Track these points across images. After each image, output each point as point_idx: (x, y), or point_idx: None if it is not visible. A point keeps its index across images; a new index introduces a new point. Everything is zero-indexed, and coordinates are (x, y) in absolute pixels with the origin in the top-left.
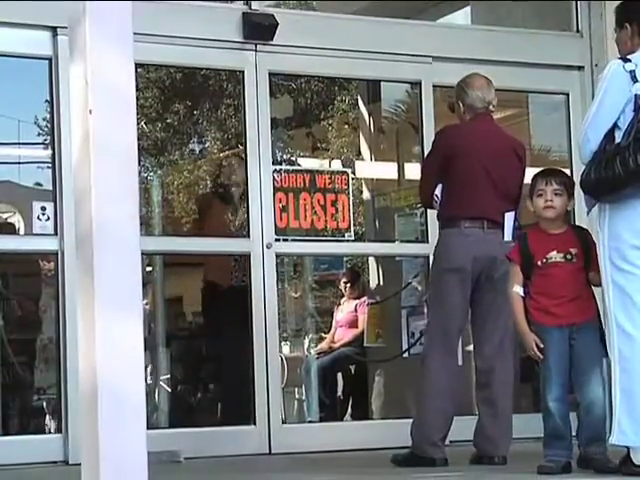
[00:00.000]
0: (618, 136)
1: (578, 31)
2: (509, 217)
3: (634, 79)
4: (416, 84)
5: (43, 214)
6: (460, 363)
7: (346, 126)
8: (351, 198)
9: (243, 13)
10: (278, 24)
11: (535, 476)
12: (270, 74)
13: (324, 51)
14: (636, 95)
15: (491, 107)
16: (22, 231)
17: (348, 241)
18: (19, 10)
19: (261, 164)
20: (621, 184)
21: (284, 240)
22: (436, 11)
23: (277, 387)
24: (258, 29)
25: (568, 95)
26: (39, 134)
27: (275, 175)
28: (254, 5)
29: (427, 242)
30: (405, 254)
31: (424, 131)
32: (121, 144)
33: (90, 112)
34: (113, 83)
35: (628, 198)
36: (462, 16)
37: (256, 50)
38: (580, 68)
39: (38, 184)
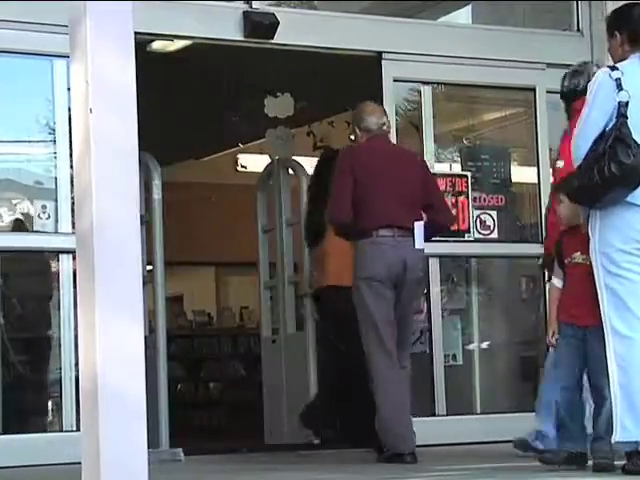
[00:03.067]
0: (601, 143)
1: (579, 30)
2: (418, 226)
3: (619, 87)
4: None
5: (44, 212)
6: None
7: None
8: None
9: (244, 12)
10: (279, 23)
11: (534, 473)
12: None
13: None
14: (619, 103)
15: (384, 128)
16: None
17: (469, 242)
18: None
19: None
20: (600, 191)
21: None
22: (437, 10)
23: None
24: (259, 28)
25: None
26: (40, 132)
27: None
28: (255, 4)
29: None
30: (526, 254)
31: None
32: (122, 143)
33: (91, 111)
34: (113, 82)
35: (615, 204)
36: (463, 15)
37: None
38: None
39: (39, 182)
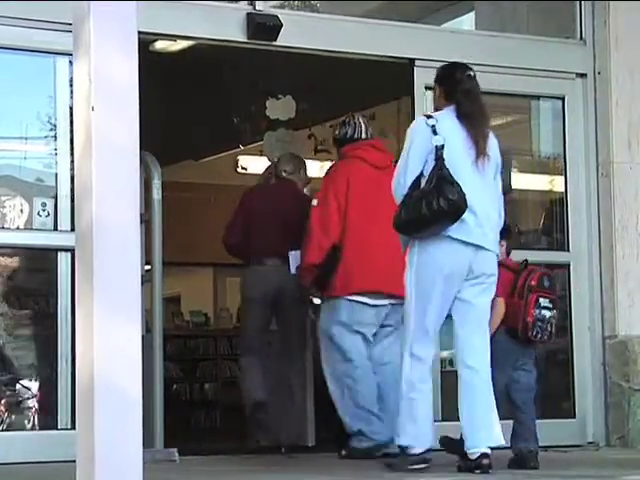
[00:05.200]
0: (423, 182)
1: (582, 39)
2: (292, 255)
3: (434, 133)
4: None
5: (43, 210)
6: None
7: None
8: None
9: (247, 13)
10: (282, 25)
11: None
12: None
13: None
14: (436, 146)
15: (284, 174)
16: (22, 226)
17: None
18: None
19: None
20: (426, 223)
21: None
22: (445, 13)
23: None
24: (262, 30)
25: (570, 102)
26: (41, 129)
27: None
28: (258, 5)
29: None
30: (548, 262)
31: None
32: (123, 141)
33: (92, 109)
34: (116, 81)
35: (432, 236)
36: (469, 20)
37: None
38: (583, 75)
39: (39, 180)
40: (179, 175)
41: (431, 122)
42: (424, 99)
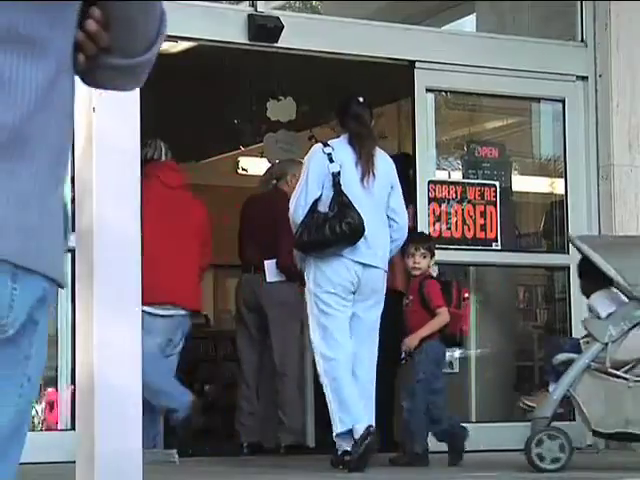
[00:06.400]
0: (320, 206)
1: (582, 41)
2: (267, 264)
3: (331, 160)
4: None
5: None
6: None
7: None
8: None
9: (249, 15)
10: (283, 26)
11: None
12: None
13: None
14: (333, 173)
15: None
16: None
17: (496, 251)
18: None
19: (417, 176)
20: (328, 245)
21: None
22: (447, 15)
23: None
24: (263, 31)
25: (571, 104)
26: None
27: (430, 186)
28: (260, 7)
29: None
30: (548, 264)
31: None
32: (124, 142)
33: (94, 110)
34: None
35: (329, 255)
36: (470, 22)
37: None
38: (584, 78)
39: None
40: None
41: (327, 150)
42: (424, 101)
